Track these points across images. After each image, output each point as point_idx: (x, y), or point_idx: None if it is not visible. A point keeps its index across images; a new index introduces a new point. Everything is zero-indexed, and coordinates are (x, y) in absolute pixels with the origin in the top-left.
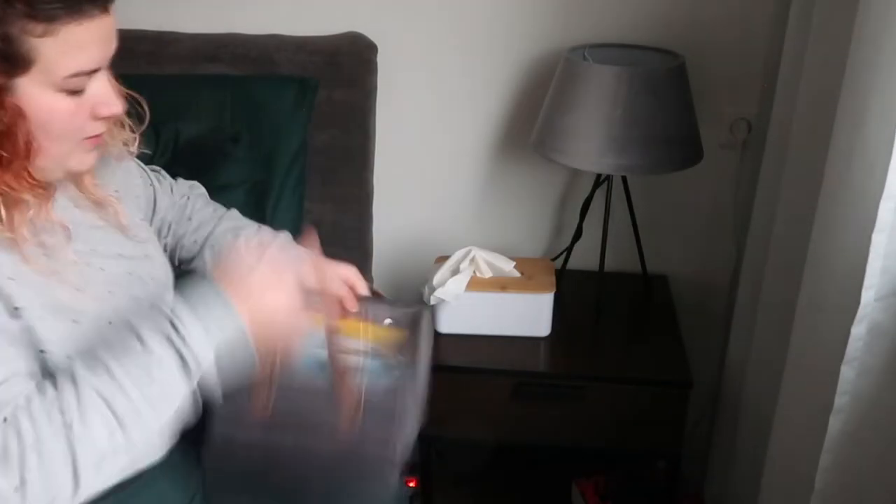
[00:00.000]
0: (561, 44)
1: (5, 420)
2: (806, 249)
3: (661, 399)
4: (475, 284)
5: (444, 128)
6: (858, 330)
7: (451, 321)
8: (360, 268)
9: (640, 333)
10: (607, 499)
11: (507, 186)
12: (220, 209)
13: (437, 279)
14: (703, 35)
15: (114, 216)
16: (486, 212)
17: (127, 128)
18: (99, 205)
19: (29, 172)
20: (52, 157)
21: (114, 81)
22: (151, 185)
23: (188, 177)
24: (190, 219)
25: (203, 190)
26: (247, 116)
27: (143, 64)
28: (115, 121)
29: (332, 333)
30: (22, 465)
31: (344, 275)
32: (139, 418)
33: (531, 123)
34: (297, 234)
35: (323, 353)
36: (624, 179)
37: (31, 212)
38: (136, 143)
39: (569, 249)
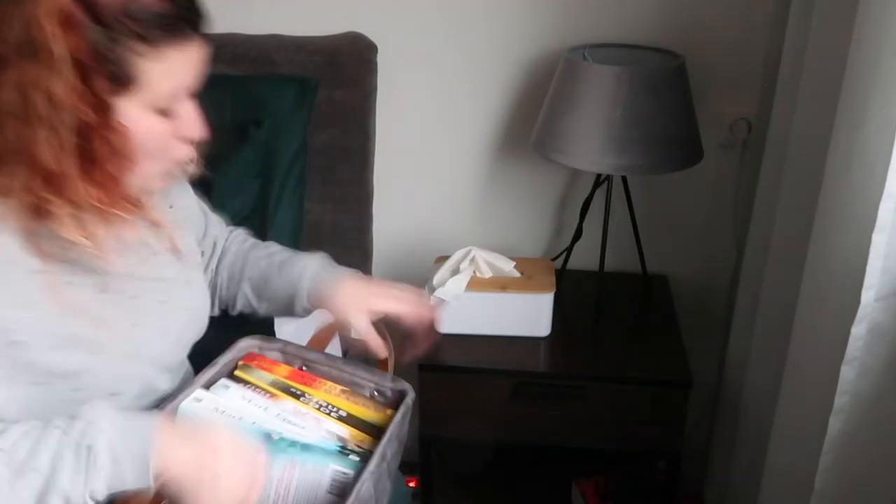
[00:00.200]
0: (561, 44)
1: None
2: (806, 249)
3: (661, 399)
4: (475, 284)
5: (444, 128)
6: (858, 330)
7: (451, 321)
8: (360, 268)
9: (639, 333)
10: (607, 499)
11: (507, 186)
12: (250, 239)
13: (437, 279)
14: (703, 35)
15: (168, 240)
16: (486, 212)
17: None
18: (155, 226)
19: (122, 190)
20: (141, 176)
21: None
22: (202, 209)
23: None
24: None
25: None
26: (247, 116)
27: None
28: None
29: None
30: None
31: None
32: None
33: (531, 123)
34: (297, 233)
35: None
36: (624, 179)
37: (117, 228)
38: (195, 162)
39: (569, 249)
